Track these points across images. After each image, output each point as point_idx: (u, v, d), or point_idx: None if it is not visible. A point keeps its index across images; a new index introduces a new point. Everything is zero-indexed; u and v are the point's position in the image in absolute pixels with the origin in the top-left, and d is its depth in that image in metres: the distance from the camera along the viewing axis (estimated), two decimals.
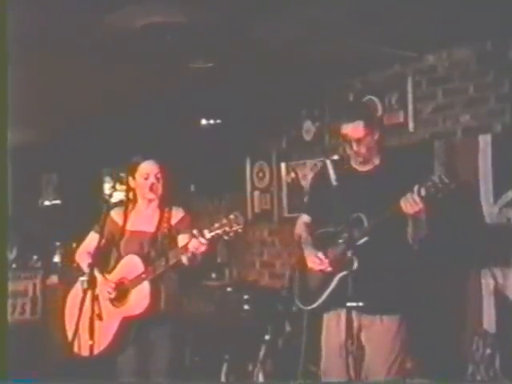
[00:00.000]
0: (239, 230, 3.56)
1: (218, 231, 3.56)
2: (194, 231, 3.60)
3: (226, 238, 3.58)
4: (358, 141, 3.45)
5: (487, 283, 4.45)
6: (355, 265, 3.24)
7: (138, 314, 3.76)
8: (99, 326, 3.61)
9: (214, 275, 6.26)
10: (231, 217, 3.56)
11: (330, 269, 3.42)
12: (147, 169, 3.90)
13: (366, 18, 4.07)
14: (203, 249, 3.59)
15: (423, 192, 3.16)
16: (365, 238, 3.31)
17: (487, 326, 4.42)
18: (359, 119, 3.46)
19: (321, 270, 3.46)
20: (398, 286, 3.42)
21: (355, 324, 3.37)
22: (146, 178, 3.88)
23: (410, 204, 3.18)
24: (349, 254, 3.23)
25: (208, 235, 3.57)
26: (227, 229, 3.55)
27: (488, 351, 4.32)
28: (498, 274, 4.40)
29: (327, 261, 3.43)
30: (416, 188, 3.17)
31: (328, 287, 3.44)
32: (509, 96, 4.48)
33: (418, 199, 3.16)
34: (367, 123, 3.47)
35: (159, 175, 3.90)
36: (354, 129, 3.45)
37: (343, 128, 3.50)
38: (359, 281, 3.17)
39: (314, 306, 3.53)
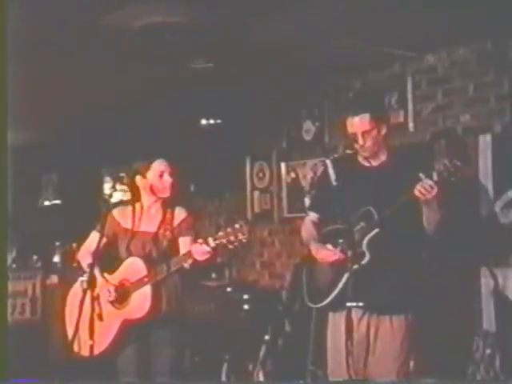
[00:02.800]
0: (243, 240, 3.55)
1: (223, 240, 3.55)
2: (199, 240, 3.60)
3: (230, 246, 3.57)
4: (364, 134, 3.41)
5: (487, 283, 4.44)
6: (366, 259, 3.23)
7: (138, 318, 3.75)
8: (99, 326, 3.61)
9: (213, 275, 6.25)
10: (236, 226, 3.54)
11: (341, 259, 3.34)
12: (161, 167, 3.88)
13: (366, 18, 4.07)
14: (206, 256, 3.59)
15: (435, 176, 3.15)
16: (375, 230, 3.30)
17: (487, 325, 4.42)
18: (366, 111, 3.42)
19: (332, 262, 3.41)
20: (404, 281, 3.40)
21: (364, 323, 3.37)
22: (161, 176, 3.88)
23: (426, 189, 3.16)
24: (359, 248, 3.21)
25: (212, 243, 3.56)
26: (232, 238, 3.54)
27: (488, 351, 4.31)
28: (498, 274, 4.39)
29: (338, 251, 3.37)
30: (423, 175, 3.16)
31: (338, 285, 3.39)
32: (509, 96, 4.48)
33: (432, 183, 3.14)
34: (374, 116, 3.42)
35: (172, 174, 3.90)
36: (359, 121, 3.41)
37: (349, 121, 3.46)
38: (369, 277, 3.17)
39: (323, 303, 3.49)
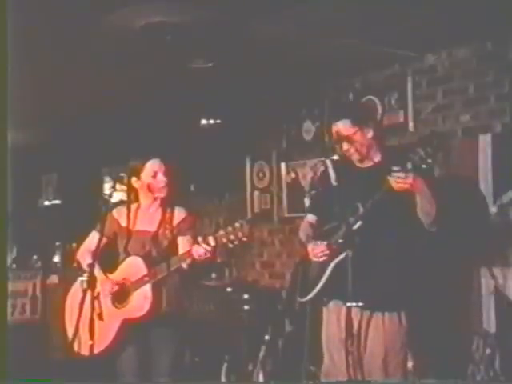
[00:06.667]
0: (244, 239, 3.54)
1: (223, 239, 3.55)
2: (199, 238, 3.59)
3: (230, 245, 3.56)
4: (347, 138, 3.47)
5: (487, 283, 4.44)
6: (350, 251, 3.26)
7: (139, 317, 3.75)
8: (99, 325, 3.61)
9: (213, 275, 6.25)
10: (236, 225, 3.54)
11: (327, 255, 3.41)
12: (154, 167, 3.89)
13: (366, 18, 4.07)
14: (207, 255, 3.59)
15: (410, 165, 3.17)
16: (359, 223, 3.32)
17: (487, 325, 4.42)
18: (346, 117, 3.50)
19: (320, 257, 3.45)
20: (396, 278, 3.41)
21: (355, 320, 3.38)
22: (154, 176, 3.88)
23: (399, 181, 3.19)
24: (344, 240, 3.28)
25: (212, 243, 3.56)
26: (232, 237, 3.53)
27: (488, 351, 4.31)
28: (498, 274, 4.39)
29: (325, 248, 3.42)
30: (396, 168, 3.19)
31: (323, 276, 3.44)
32: (509, 96, 4.48)
33: (403, 174, 3.17)
34: (354, 121, 3.49)
35: (166, 173, 3.90)
36: (341, 127, 3.50)
37: (333, 127, 3.55)
38: (355, 268, 3.20)
39: (309, 296, 3.52)
